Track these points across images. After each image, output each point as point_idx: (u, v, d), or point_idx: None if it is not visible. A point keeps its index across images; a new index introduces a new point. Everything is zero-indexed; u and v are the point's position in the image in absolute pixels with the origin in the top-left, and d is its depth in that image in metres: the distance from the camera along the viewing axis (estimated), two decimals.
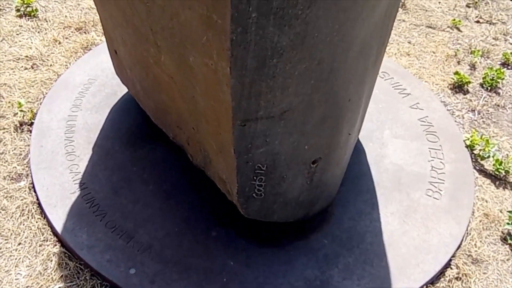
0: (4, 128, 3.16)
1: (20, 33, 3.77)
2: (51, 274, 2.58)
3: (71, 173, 2.92)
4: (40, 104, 3.33)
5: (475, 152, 3.28)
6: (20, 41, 3.70)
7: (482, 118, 3.59)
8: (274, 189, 2.33)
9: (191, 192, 2.89)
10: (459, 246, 2.78)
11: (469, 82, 3.77)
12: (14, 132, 3.15)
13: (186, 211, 2.80)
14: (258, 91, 1.85)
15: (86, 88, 3.39)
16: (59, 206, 2.76)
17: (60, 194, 2.82)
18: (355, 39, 1.93)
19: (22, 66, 3.53)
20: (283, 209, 2.47)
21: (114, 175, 2.93)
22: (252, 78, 1.80)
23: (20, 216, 2.77)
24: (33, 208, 2.81)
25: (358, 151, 3.24)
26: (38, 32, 3.78)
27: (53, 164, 2.96)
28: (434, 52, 4.09)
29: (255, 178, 2.25)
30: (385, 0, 2.00)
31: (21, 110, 3.22)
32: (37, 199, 2.82)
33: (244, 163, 2.16)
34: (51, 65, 3.55)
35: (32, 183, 2.89)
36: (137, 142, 3.10)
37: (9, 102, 3.28)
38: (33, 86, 3.40)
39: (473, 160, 3.25)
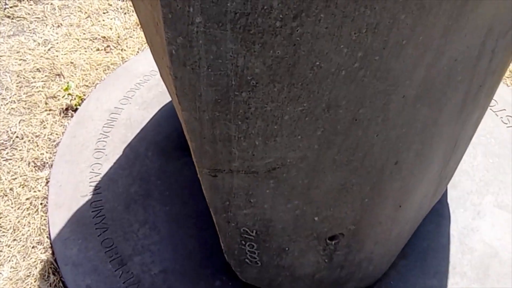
0: (50, 110, 2.83)
1: (107, 12, 3.43)
2: (31, 283, 2.17)
3: (91, 173, 2.49)
4: (94, 87, 2.97)
5: None
6: (103, 20, 3.36)
7: None
8: (273, 260, 1.65)
9: (209, 225, 2.31)
10: None
11: None
12: (58, 116, 2.81)
13: (195, 246, 2.23)
14: (226, 134, 1.20)
15: (145, 80, 2.94)
16: (65, 207, 2.34)
17: (71, 195, 2.40)
18: (404, 74, 1.18)
19: (95, 47, 3.18)
20: (294, 284, 1.78)
21: (134, 185, 2.44)
22: (213, 115, 1.15)
23: (26, 209, 2.40)
24: (42, 203, 2.43)
25: (441, 216, 2.38)
26: (124, 14, 3.42)
27: (78, 158, 2.55)
28: None
29: (243, 242, 1.59)
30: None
31: (69, 94, 2.87)
32: (48, 194, 2.45)
33: (225, 222, 1.51)
34: (123, 49, 3.16)
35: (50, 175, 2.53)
36: (172, 152, 2.58)
37: (67, 82, 2.95)
38: (96, 69, 3.04)
39: None
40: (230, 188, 1.36)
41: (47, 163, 2.58)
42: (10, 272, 2.22)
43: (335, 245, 1.63)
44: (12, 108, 2.82)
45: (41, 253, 2.26)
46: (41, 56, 3.12)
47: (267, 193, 1.37)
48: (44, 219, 2.36)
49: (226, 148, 1.23)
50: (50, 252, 2.26)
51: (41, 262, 2.23)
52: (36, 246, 2.28)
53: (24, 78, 3.00)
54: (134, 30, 3.31)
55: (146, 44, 3.19)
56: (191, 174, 2.48)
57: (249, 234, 1.53)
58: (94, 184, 2.44)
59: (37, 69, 3.05)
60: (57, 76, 3.01)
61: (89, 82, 2.97)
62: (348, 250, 1.64)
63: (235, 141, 1.20)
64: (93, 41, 3.23)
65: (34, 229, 2.33)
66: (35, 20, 3.37)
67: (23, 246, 2.29)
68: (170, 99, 2.81)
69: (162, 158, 2.55)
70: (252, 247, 1.59)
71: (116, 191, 2.42)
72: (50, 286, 2.15)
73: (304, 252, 1.61)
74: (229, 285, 2.12)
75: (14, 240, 2.31)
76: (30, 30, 3.30)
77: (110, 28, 3.32)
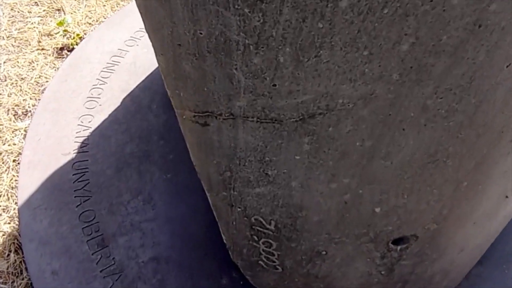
0: (43, 49, 2.27)
1: None
2: None
3: (79, 126, 1.93)
4: (98, 24, 2.39)
5: None
6: None
7: None
8: (301, 266, 1.04)
9: None
10: None
11: None
12: (51, 56, 2.24)
13: (199, 230, 1.65)
14: (221, 38, 0.59)
15: None
16: (40, 167, 1.78)
17: (50, 152, 1.84)
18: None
19: None
20: None
21: (130, 144, 1.87)
22: None
23: None
24: (15, 160, 1.88)
25: None
26: None
27: (66, 107, 1.99)
28: None
29: (255, 238, 0.99)
30: None
31: (65, 31, 2.30)
32: (23, 150, 1.91)
33: (225, 206, 0.92)
34: None
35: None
36: None
37: (63, 17, 2.38)
38: (104, 6, 2.46)
39: None
40: (232, 147, 0.77)
41: (30, 111, 2.03)
42: None
43: (401, 251, 1.02)
44: None
45: (4, 223, 1.73)
46: None
47: (297, 160, 0.77)
48: (15, 180, 1.83)
49: (223, 69, 0.63)
50: (16, 223, 1.73)
51: (3, 235, 1.69)
52: (1, 214, 1.76)
53: (18, 12, 2.44)
54: None
55: None
56: None
57: (265, 226, 0.94)
58: (81, 140, 1.88)
59: (35, 2, 2.48)
60: (57, 11, 2.44)
61: (93, 20, 2.40)
62: (420, 259, 1.03)
63: (238, 52, 0.60)
64: None
65: (1, 191, 1.80)
66: None
67: None
68: None
69: (169, 112, 1.96)
70: (269, 245, 1.00)
71: (107, 150, 1.85)
72: (9, 267, 1.62)
73: (351, 259, 1.01)
74: (240, 285, 1.54)
75: None
76: None
77: None
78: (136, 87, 2.04)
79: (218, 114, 0.72)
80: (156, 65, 2.13)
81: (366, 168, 0.78)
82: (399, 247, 1.00)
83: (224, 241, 1.09)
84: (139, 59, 2.14)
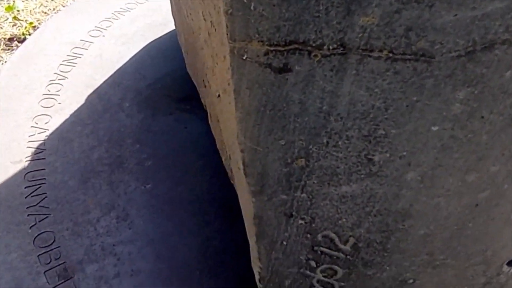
0: None
1: None
2: None
3: (33, 128, 1.51)
4: (55, 13, 2.00)
5: None
6: None
7: None
8: None
9: (217, 218, 1.37)
10: None
11: None
12: None
13: (191, 253, 1.26)
14: None
15: (128, 9, 1.96)
16: None
17: None
18: None
19: None
20: None
21: (98, 149, 1.46)
22: None
23: None
24: None
25: None
26: None
27: (16, 106, 1.55)
28: None
29: (313, 264, 0.65)
30: None
31: (15, 18, 1.89)
32: None
33: (278, 215, 0.57)
34: None
35: None
36: (161, 104, 1.60)
37: (13, 1, 1.98)
38: None
39: None
40: (323, 113, 0.43)
41: None
42: None
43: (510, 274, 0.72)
44: None
45: None
46: None
47: (431, 134, 0.44)
48: None
49: None
50: None
51: None
52: None
53: None
54: None
55: None
56: (190, 135, 1.53)
57: (337, 247, 0.59)
58: (36, 145, 1.47)
59: None
60: None
61: (49, 9, 1.99)
62: None
63: None
64: None
65: None
66: None
67: None
68: (160, 34, 1.85)
69: (145, 111, 1.58)
70: (331, 274, 0.65)
71: (69, 157, 1.45)
72: None
73: None
74: None
75: None
76: None
77: None
78: (104, 82, 1.64)
79: (315, 47, 0.39)
80: (127, 58, 1.76)
81: None
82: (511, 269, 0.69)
83: (256, 269, 0.74)
84: (106, 52, 1.75)
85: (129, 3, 1.95)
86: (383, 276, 0.66)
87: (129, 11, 1.92)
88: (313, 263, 0.65)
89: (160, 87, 1.64)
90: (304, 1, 0.37)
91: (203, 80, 1.11)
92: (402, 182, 0.51)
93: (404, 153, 0.48)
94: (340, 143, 0.48)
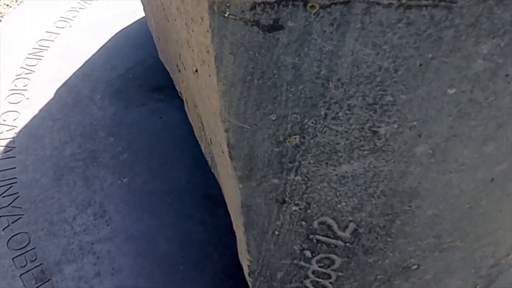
0: None
1: None
2: None
3: (1, 125, 1.42)
4: (18, 5, 1.86)
5: None
6: None
7: None
8: None
9: (198, 210, 1.28)
10: None
11: None
12: None
13: (173, 248, 1.18)
14: None
15: None
16: None
17: None
18: None
19: None
20: None
21: (71, 144, 1.36)
22: None
23: None
24: None
25: None
26: None
27: None
28: None
29: (308, 254, 0.58)
30: None
31: None
32: None
33: (269, 202, 0.49)
34: None
35: None
36: (133, 94, 1.50)
37: None
38: None
39: None
40: (321, 79, 0.35)
41: None
42: None
43: None
44: None
45: None
46: None
47: (447, 98, 0.36)
48: None
49: None
50: None
51: None
52: None
53: None
54: None
55: None
56: (166, 125, 1.43)
57: (334, 234, 0.51)
58: (5, 143, 1.35)
59: None
60: None
61: (12, 0, 1.87)
62: None
63: None
64: None
65: None
66: None
67: None
68: (129, 22, 1.74)
69: (117, 103, 1.47)
70: (329, 264, 0.57)
71: (41, 154, 1.34)
72: None
73: (450, 273, 0.59)
74: None
75: None
76: None
77: None
78: (73, 75, 1.53)
79: None
80: (96, 48, 1.65)
81: None
82: None
83: (245, 262, 0.66)
84: (73, 43, 1.63)
85: None
86: (385, 263, 0.58)
87: (96, 0, 1.80)
88: (308, 253, 0.58)
89: (132, 77, 1.53)
90: None
91: (177, 65, 1.01)
92: (411, 157, 0.43)
93: (415, 123, 0.40)
94: (340, 114, 0.40)
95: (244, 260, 0.68)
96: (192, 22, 0.42)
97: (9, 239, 1.16)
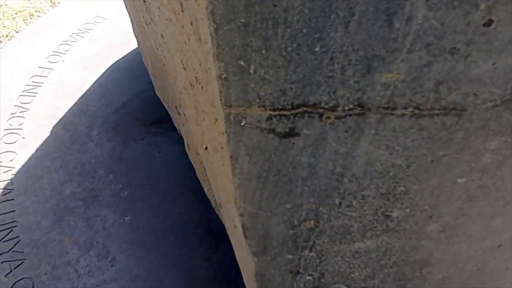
0: None
1: None
2: None
3: None
4: (9, 40, 1.86)
5: None
6: None
7: None
8: None
9: (201, 247, 1.29)
10: None
11: None
12: None
13: (179, 282, 1.20)
14: None
15: (86, 30, 1.84)
16: None
17: None
18: None
19: None
20: None
21: (70, 183, 1.37)
22: None
23: None
24: None
25: None
26: None
27: None
28: None
29: None
30: None
31: None
32: None
33: (283, 273, 0.51)
34: None
35: None
36: (130, 129, 1.51)
37: None
38: (14, 19, 1.94)
39: None
40: (336, 175, 0.39)
41: None
42: None
43: None
44: None
45: None
46: None
47: (457, 186, 0.38)
48: None
49: None
50: None
51: None
52: None
53: None
54: None
55: None
56: (165, 160, 1.44)
57: None
58: (3, 185, 1.36)
59: None
60: None
61: (1, 35, 1.87)
62: None
63: None
64: None
65: None
66: None
67: None
68: (123, 53, 1.75)
69: (115, 139, 1.48)
70: None
71: (40, 195, 1.34)
72: None
73: None
74: None
75: None
76: None
77: None
78: (68, 111, 1.53)
79: (327, 109, 0.32)
80: (90, 82, 1.65)
81: None
82: None
83: None
84: (67, 78, 1.63)
85: (86, 23, 1.83)
86: None
87: (88, 32, 1.80)
88: None
89: (128, 111, 1.54)
90: (315, 61, 0.30)
91: (176, 107, 1.02)
92: (422, 234, 0.45)
93: (426, 207, 0.42)
94: (354, 203, 0.41)
95: None
96: (204, 113, 0.43)
97: (13, 285, 1.16)
